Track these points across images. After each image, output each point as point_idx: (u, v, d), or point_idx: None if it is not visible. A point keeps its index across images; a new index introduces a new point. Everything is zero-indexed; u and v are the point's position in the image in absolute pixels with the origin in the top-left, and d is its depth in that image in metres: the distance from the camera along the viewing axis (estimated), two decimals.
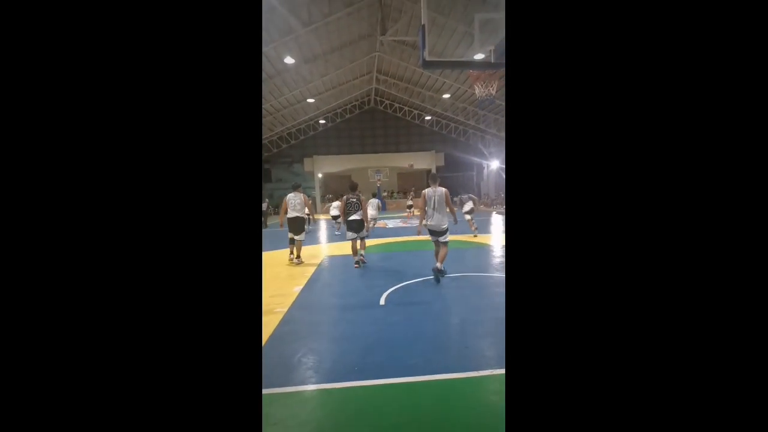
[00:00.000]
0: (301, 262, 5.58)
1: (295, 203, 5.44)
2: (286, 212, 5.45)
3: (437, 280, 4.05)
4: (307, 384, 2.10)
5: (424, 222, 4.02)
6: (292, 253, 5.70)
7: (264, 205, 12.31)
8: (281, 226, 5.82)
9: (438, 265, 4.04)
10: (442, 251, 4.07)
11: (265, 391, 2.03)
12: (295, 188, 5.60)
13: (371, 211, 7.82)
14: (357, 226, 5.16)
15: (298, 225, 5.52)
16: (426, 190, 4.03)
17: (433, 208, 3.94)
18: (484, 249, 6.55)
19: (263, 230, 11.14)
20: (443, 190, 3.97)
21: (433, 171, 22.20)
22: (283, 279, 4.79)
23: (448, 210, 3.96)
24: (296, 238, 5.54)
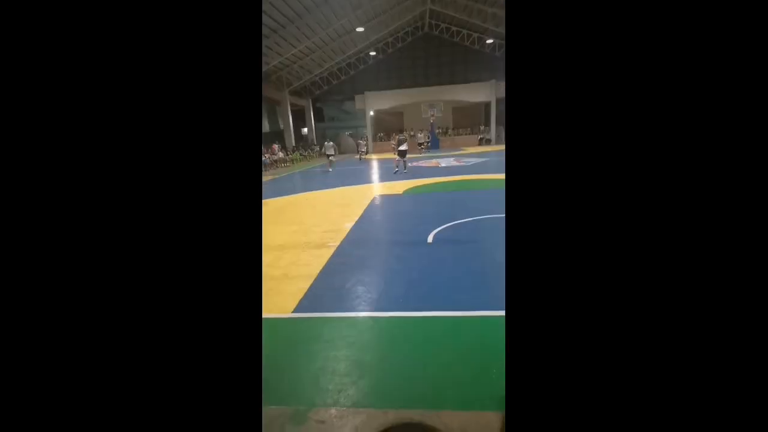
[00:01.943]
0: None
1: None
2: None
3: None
4: (356, 311, 2.28)
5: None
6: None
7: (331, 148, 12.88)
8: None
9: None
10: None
11: (317, 314, 2.26)
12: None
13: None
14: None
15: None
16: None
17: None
18: None
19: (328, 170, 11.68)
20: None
21: (493, 103, 20.39)
22: (335, 216, 5.02)
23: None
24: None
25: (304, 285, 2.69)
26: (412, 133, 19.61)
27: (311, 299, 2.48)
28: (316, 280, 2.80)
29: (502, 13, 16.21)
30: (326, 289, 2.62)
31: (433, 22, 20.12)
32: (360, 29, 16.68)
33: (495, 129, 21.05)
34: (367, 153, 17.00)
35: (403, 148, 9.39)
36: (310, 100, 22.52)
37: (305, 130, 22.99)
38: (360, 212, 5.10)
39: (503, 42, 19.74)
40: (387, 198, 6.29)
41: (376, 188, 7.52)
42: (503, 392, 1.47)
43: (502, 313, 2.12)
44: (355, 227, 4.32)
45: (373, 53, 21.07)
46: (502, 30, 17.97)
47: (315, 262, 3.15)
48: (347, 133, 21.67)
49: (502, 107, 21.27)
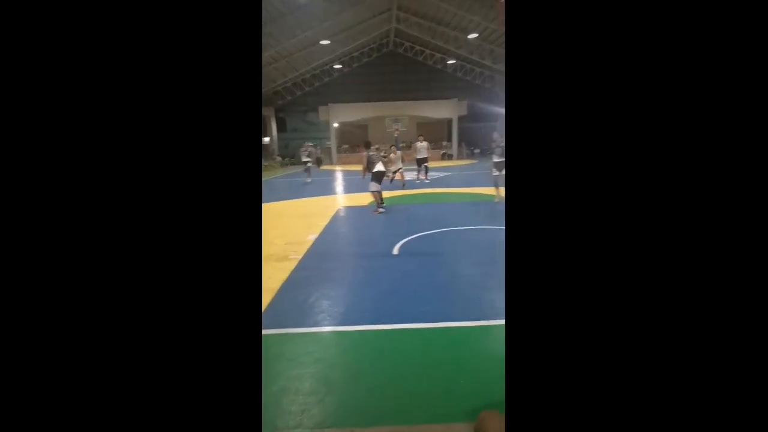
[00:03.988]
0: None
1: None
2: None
3: None
4: (321, 326, 2.20)
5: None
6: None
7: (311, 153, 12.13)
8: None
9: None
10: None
11: (279, 331, 2.15)
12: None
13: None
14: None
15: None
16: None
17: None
18: (501, 202, 6.42)
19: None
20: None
21: (455, 120, 21.25)
22: (298, 227, 4.89)
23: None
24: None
25: (265, 299, 2.56)
26: (377, 146, 19.40)
27: (273, 314, 2.36)
28: (277, 294, 2.68)
29: (463, 36, 17.14)
30: (288, 304, 2.51)
31: (398, 40, 20.77)
32: (325, 42, 16.78)
33: (456, 145, 21.93)
34: (320, 166, 15.88)
35: (379, 168, 5.83)
36: (273, 110, 22.08)
37: (267, 139, 22.42)
38: (324, 224, 5.01)
39: (463, 63, 20.86)
40: (351, 210, 6.24)
41: (341, 200, 7.45)
42: (472, 404, 1.47)
43: (468, 323, 2.15)
44: (319, 239, 4.23)
45: (338, 66, 21.23)
46: (462, 52, 18.97)
47: (276, 276, 3.02)
48: (311, 144, 21.52)
49: (463, 124, 22.29)
